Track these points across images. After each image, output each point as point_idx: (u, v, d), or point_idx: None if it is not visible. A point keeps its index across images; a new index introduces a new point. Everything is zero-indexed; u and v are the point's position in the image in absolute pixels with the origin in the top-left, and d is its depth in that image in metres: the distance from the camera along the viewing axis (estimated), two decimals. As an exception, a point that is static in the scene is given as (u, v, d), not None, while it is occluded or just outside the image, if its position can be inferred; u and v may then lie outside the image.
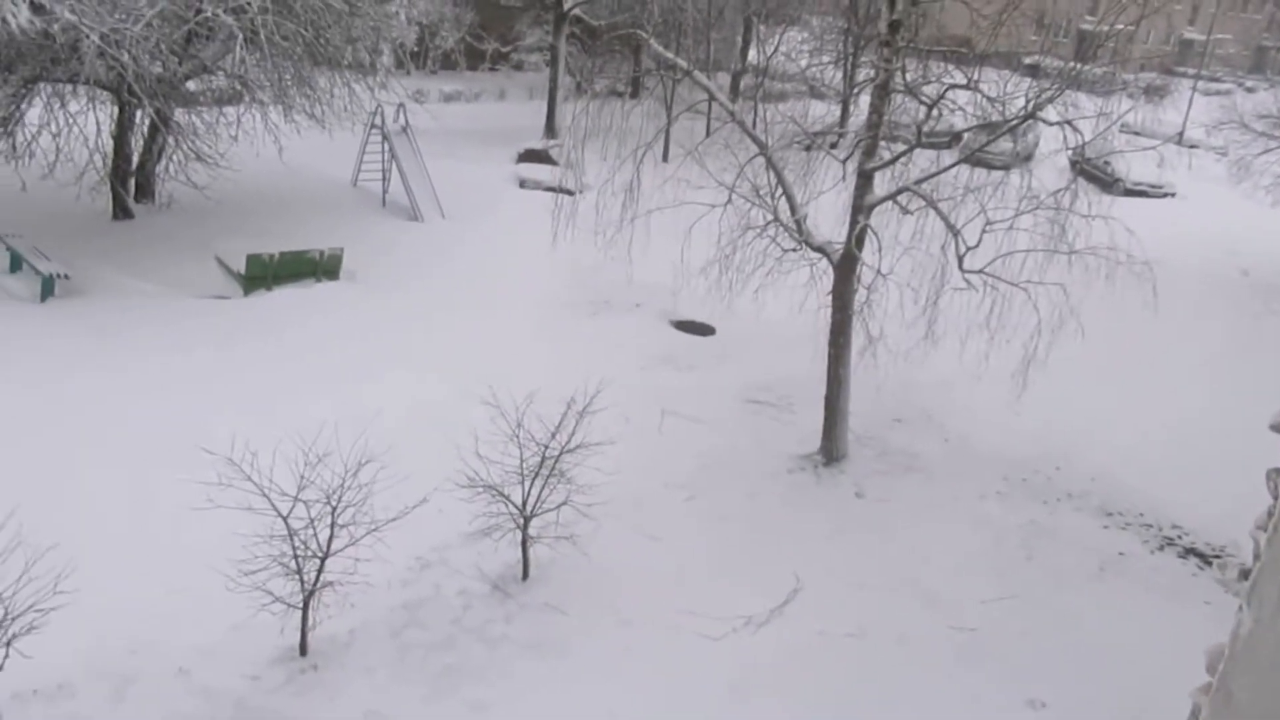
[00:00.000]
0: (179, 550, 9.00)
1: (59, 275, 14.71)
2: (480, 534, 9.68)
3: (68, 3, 13.38)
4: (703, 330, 16.72)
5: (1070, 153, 12.55)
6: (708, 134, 17.96)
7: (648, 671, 8.82)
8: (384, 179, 21.55)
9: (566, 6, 28.59)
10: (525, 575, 9.85)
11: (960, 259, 11.68)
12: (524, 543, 9.77)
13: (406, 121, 21.85)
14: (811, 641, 9.47)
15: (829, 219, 13.25)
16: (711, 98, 13.25)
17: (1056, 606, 10.42)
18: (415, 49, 35.46)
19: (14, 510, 7.23)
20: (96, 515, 9.38)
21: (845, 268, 12.35)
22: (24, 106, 15.87)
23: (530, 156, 25.83)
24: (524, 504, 9.52)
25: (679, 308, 16.74)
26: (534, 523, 9.69)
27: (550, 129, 28.74)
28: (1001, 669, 9.34)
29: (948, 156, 12.27)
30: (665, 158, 18.17)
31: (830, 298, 12.67)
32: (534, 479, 9.48)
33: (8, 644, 6.90)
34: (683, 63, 13.30)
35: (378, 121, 21.09)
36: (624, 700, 8.45)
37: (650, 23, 24.08)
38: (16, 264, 15.21)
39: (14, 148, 15.83)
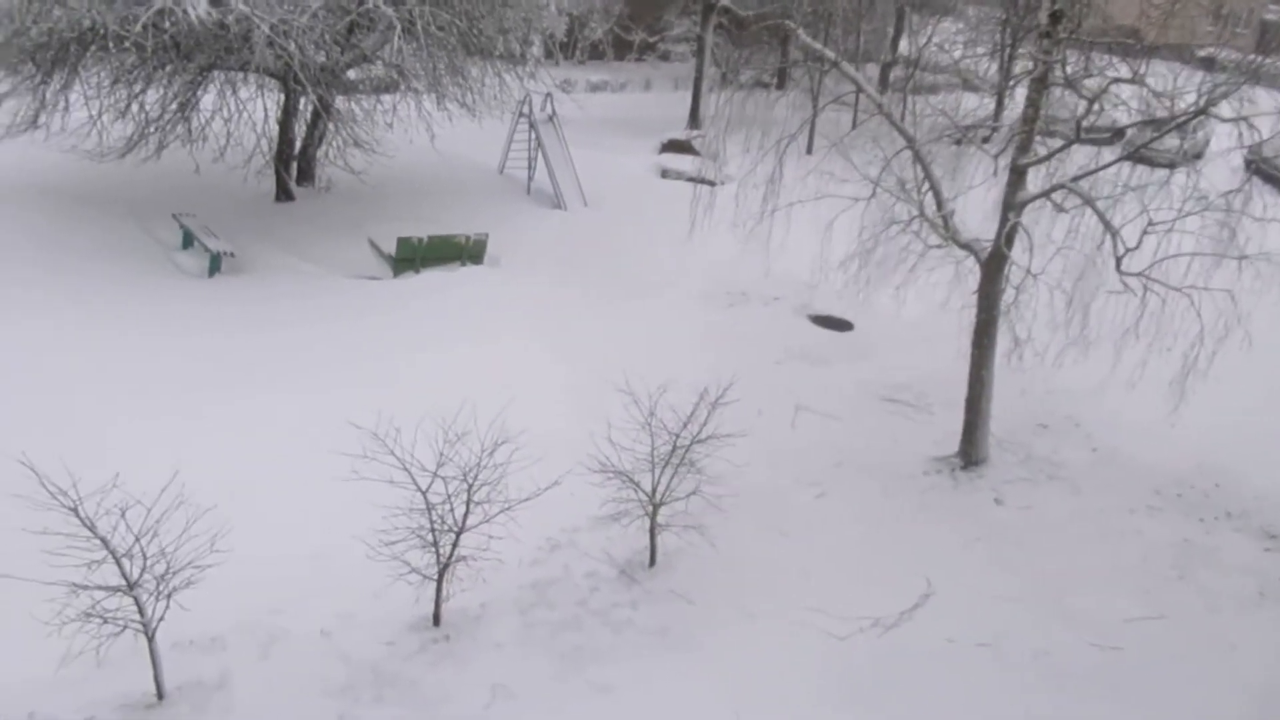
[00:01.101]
0: (325, 518, 9.43)
1: (226, 253, 15.59)
2: (610, 519, 9.79)
3: (242, -5, 14.13)
4: (840, 325, 16.46)
5: (1246, 151, 11.77)
6: (854, 126, 17.62)
7: (771, 666, 8.76)
8: (529, 167, 21.98)
9: (715, -3, 28.48)
10: (652, 562, 9.92)
11: (1118, 261, 11.12)
12: (652, 530, 9.84)
13: (553, 111, 22.22)
14: (941, 649, 9.21)
15: (977, 215, 12.83)
16: (859, 89, 12.98)
17: (1209, 631, 9.83)
18: (564, 40, 35.98)
19: (177, 471, 7.71)
20: (252, 480, 9.90)
21: (993, 266, 11.93)
22: (199, 93, 16.87)
23: (673, 147, 25.89)
24: (654, 491, 9.59)
25: (816, 302, 16.53)
26: (663, 511, 9.74)
27: (694, 120, 28.74)
28: (1146, 693, 8.88)
29: (1108, 153, 11.66)
30: (809, 150, 17.92)
31: (975, 297, 12.26)
32: (664, 467, 9.53)
33: (169, 596, 7.37)
34: (830, 54, 13.08)
35: (525, 111, 21.51)
36: (746, 693, 8.42)
37: (799, 13, 23.74)
38: (188, 241, 16.20)
39: (190, 132, 16.83)
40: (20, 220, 15.88)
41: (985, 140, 13.83)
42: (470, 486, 8.39)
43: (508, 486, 8.62)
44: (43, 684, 7.44)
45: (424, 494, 8.31)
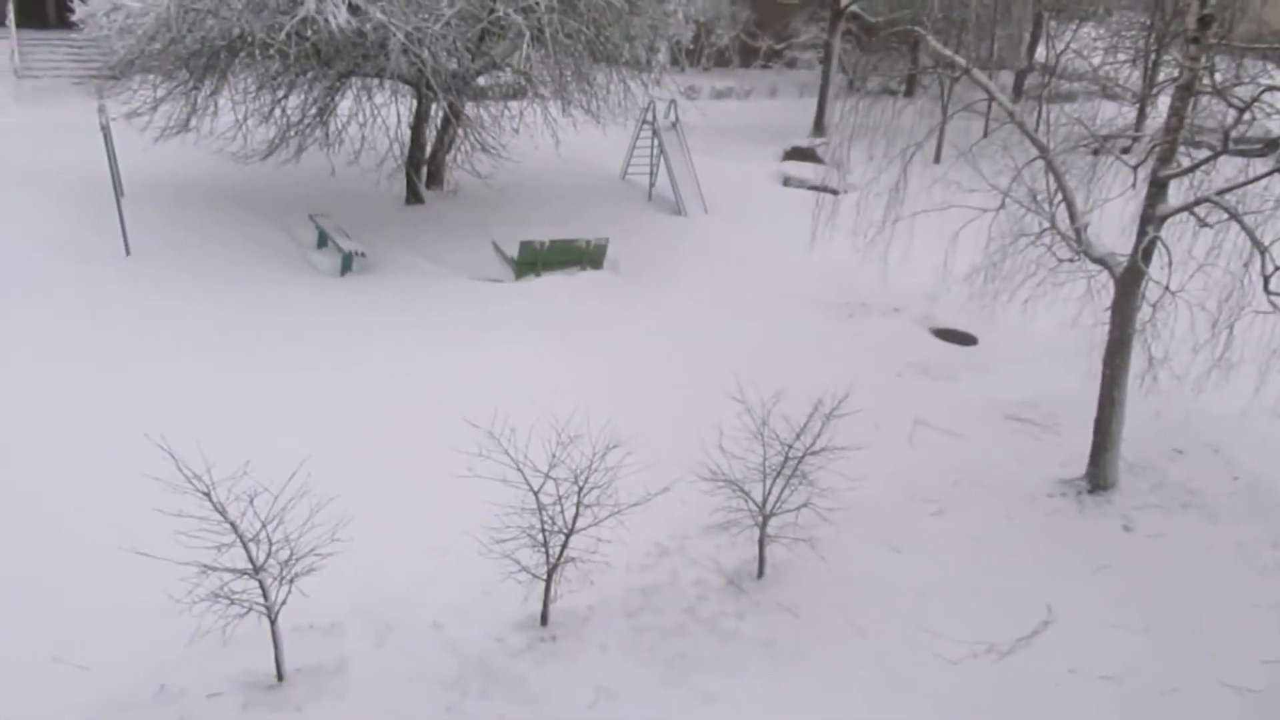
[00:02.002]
0: (440, 513, 9.66)
1: (357, 253, 16.16)
2: (719, 527, 9.74)
3: (379, 4, 14.65)
4: (964, 339, 16.01)
5: None
6: (985, 135, 17.16)
7: (880, 685, 8.57)
8: (651, 173, 22.10)
9: (844, 3, 28.19)
10: (761, 573, 9.83)
11: (1266, 280, 10.47)
12: (761, 541, 9.75)
13: (677, 117, 22.29)
14: (1061, 679, 8.85)
15: (1113, 229, 12.30)
16: (990, 97, 12.62)
17: (1358, 678, 9.18)
18: (690, 46, 36.10)
19: (304, 461, 8.01)
20: (373, 473, 10.22)
21: (1128, 282, 11.40)
22: (337, 99, 17.55)
23: (796, 154, 25.67)
24: (764, 502, 9.50)
25: (939, 314, 16.14)
26: (773, 522, 9.65)
27: (819, 127, 28.45)
28: (1285, 739, 8.36)
29: (1259, 165, 11.01)
30: (937, 159, 17.51)
31: (1109, 314, 11.74)
32: (775, 478, 9.43)
33: (291, 581, 7.66)
34: (961, 60, 12.75)
35: (649, 117, 21.64)
36: (853, 711, 8.26)
37: (930, 19, 23.23)
38: (323, 241, 16.86)
39: (327, 136, 17.52)
40: (173, 216, 16.82)
41: (1125, 151, 13.25)
42: (581, 489, 8.47)
43: (618, 490, 8.66)
44: (173, 659, 7.83)
45: (536, 494, 8.43)
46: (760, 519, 9.59)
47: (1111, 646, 9.24)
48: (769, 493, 9.48)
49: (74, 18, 23.56)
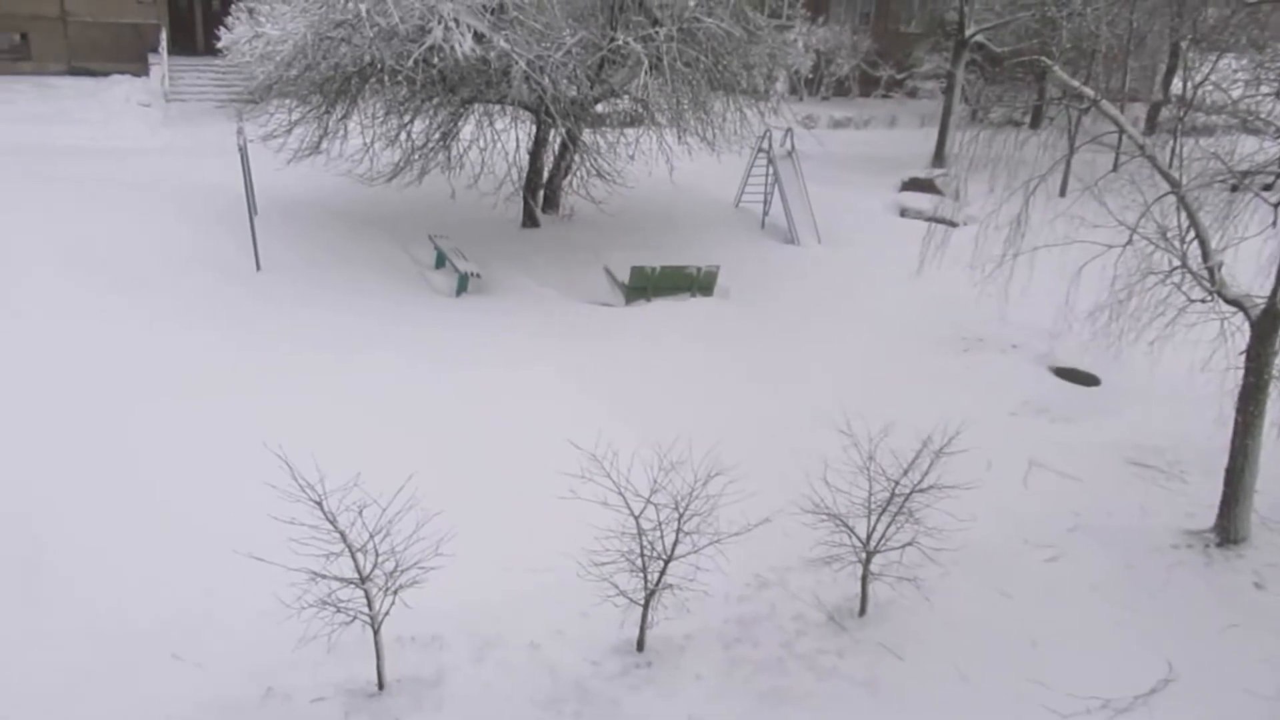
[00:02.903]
0: (541, 533, 9.75)
1: (473, 274, 16.54)
2: (820, 562, 9.56)
3: (503, 32, 15.04)
4: (1085, 380, 15.40)
5: None
6: (1114, 168, 16.56)
7: (984, 736, 8.26)
8: (765, 201, 22.04)
9: (968, 33, 27.67)
10: (863, 611, 9.60)
11: None
12: (864, 578, 9.53)
13: (793, 146, 22.21)
14: (1180, 741, 8.38)
15: (1249, 269, 11.67)
16: (1120, 130, 12.18)
17: None
18: (810, 75, 36.08)
19: (412, 475, 8.19)
20: (478, 489, 10.40)
21: (1266, 325, 10.80)
22: (460, 124, 18.06)
23: (914, 185, 25.25)
24: (868, 538, 9.29)
25: (1059, 353, 15.58)
26: (877, 559, 9.42)
27: (939, 158, 27.95)
28: None
29: None
30: (1063, 192, 17.00)
31: (1243, 358, 11.14)
32: (880, 514, 9.22)
33: (395, 592, 7.82)
34: (1090, 92, 12.34)
35: (765, 146, 21.61)
36: (954, 761, 7.98)
37: (1058, 49, 22.64)
38: (441, 261, 17.32)
39: (449, 160, 18.04)
40: (301, 235, 17.55)
41: (1266, 187, 12.59)
42: (681, 516, 8.43)
43: (718, 519, 8.59)
44: (280, 662, 8.07)
45: (636, 519, 8.43)
46: (863, 555, 9.37)
47: (1237, 710, 8.71)
48: (873, 529, 9.27)
49: (219, 45, 24.88)
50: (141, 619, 8.40)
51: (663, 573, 8.63)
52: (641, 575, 8.59)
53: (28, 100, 27.49)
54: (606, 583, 8.47)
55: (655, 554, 8.54)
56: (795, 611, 9.62)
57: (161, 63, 30.02)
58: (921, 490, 9.16)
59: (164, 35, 30.62)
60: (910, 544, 9.34)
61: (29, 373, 11.88)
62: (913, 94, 37.59)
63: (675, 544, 8.54)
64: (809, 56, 34.93)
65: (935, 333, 16.49)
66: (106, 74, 30.69)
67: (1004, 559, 10.61)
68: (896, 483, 9.15)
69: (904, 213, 23.56)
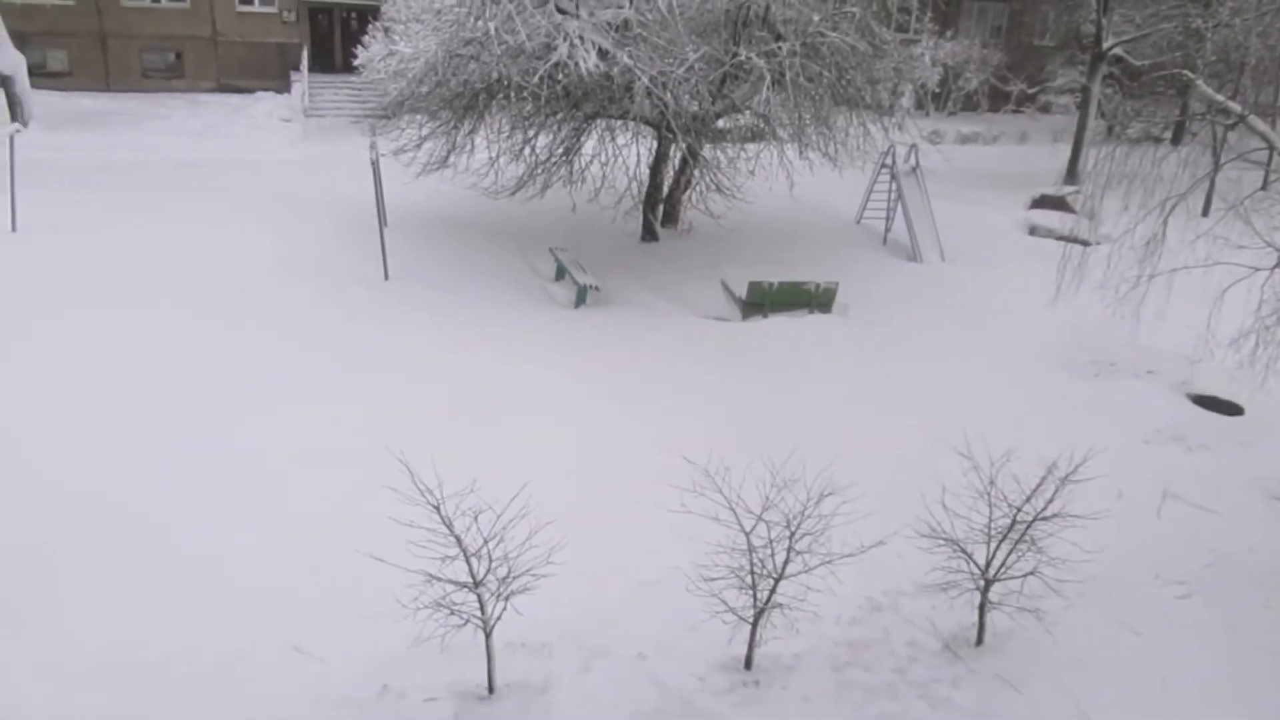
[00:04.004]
0: (651, 545, 9.77)
1: (592, 286, 16.75)
2: (936, 587, 9.30)
3: (627, 49, 15.22)
4: (1227, 409, 14.59)
5: None
6: (1263, 187, 15.71)
7: (1106, 779, 7.89)
8: (887, 218, 21.68)
9: (1106, 46, 26.71)
10: (979, 640, 9.29)
11: None
12: (982, 606, 9.23)
13: (917, 162, 21.80)
14: (1326, 798, 7.83)
15: None
16: (1270, 146, 11.56)
17: None
18: (937, 90, 35.40)
19: (526, 484, 8.32)
20: (591, 500, 10.48)
21: None
22: (582, 139, 18.35)
23: (1044, 203, 24.49)
24: (987, 565, 9.00)
25: (1199, 380, 14.83)
26: (996, 588, 9.11)
27: (1071, 174, 27.04)
28: None
29: None
30: (1205, 211, 16.24)
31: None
32: (1001, 541, 8.92)
33: (507, 598, 7.95)
34: (1236, 106, 11.77)
35: (888, 161, 21.28)
36: (1073, 803, 7.64)
37: (1202, 62, 21.63)
38: (561, 273, 17.59)
39: (571, 174, 18.35)
40: (427, 246, 18.09)
41: None
42: (793, 534, 8.32)
43: (831, 539, 8.45)
44: (395, 660, 8.29)
45: (747, 535, 8.36)
46: (982, 583, 9.08)
47: (1392, 769, 8.10)
48: (993, 556, 8.97)
49: (356, 63, 25.84)
50: (268, 613, 8.75)
51: (773, 591, 8.53)
52: (751, 593, 8.52)
53: (181, 115, 29.18)
54: (715, 598, 8.42)
55: (765, 572, 8.46)
56: (909, 637, 9.39)
57: (302, 80, 31.47)
58: (1045, 518, 8.83)
59: (305, 54, 32.09)
60: (1032, 573, 9.00)
61: (160, 376, 12.54)
62: (1045, 109, 36.49)
63: (786, 562, 8.44)
64: (936, 71, 34.30)
65: (1064, 355, 15.91)
66: (252, 91, 32.35)
67: (1133, 594, 10.13)
68: (1019, 509, 8.84)
69: (1033, 231, 22.86)
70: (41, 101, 27.29)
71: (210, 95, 32.37)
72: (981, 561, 8.99)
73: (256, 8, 32.94)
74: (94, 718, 7.59)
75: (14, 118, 25.27)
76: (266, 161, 24.74)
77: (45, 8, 30.32)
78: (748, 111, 18.33)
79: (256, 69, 32.99)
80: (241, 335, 13.76)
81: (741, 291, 17.09)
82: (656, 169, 19.69)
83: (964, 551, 8.95)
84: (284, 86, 32.44)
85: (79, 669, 7.96)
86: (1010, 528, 8.87)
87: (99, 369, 12.47)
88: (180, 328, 13.78)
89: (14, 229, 17.17)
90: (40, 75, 29.05)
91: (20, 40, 26.80)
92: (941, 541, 8.97)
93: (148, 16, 32.17)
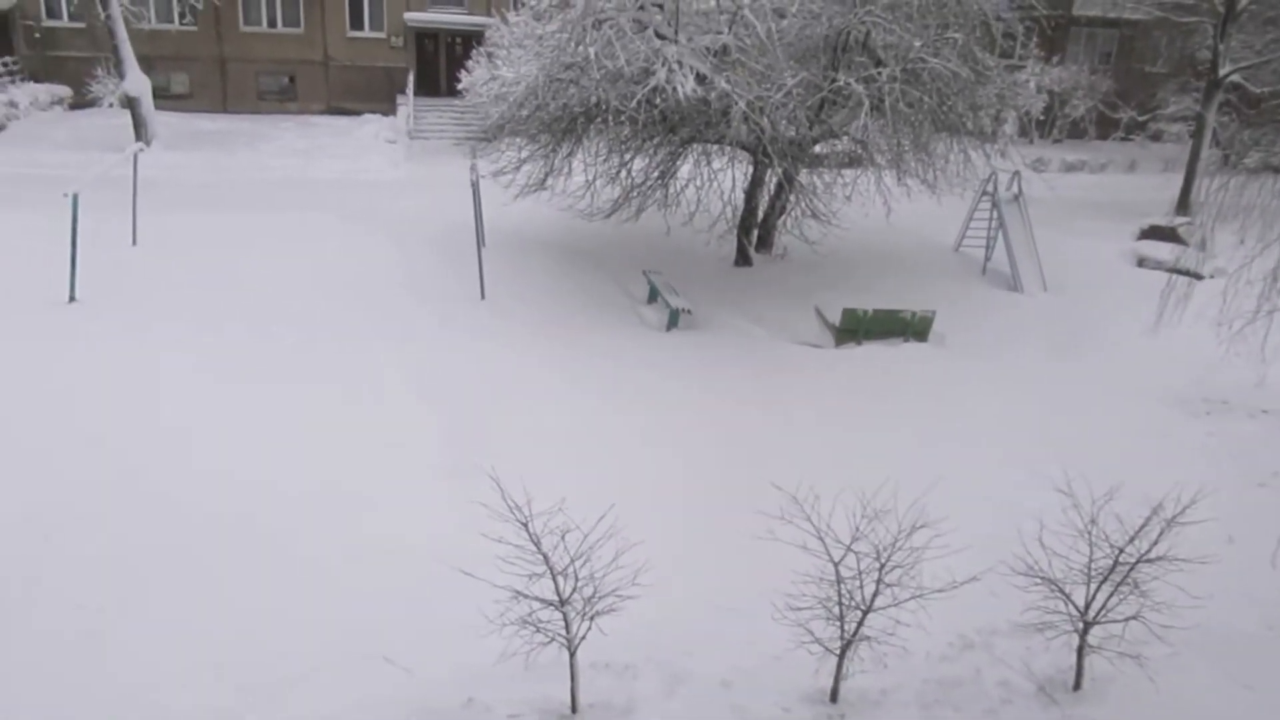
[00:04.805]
0: (737, 572, 9.69)
1: (684, 310, 16.78)
2: (1032, 627, 8.99)
3: (724, 74, 15.27)
4: (1350, 453, 13.85)
5: None
6: (1393, 220, 14.93)
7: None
8: (988, 247, 21.24)
9: (1223, 73, 25.78)
10: (1077, 685, 8.95)
11: None
12: (1080, 649, 8.89)
13: (1020, 190, 21.33)
14: None
15: None
16: (1402, 177, 10.98)
17: None
18: (1041, 117, 34.62)
19: (614, 504, 8.35)
20: (677, 522, 10.47)
21: None
22: (678, 162, 18.45)
23: (1154, 233, 23.68)
24: (1086, 607, 8.67)
25: (1320, 422, 14.13)
26: (1095, 631, 8.77)
27: (1183, 205, 26.13)
28: None
29: None
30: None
31: None
32: (1101, 583, 8.59)
33: (592, 618, 7.96)
34: (1365, 135, 11.21)
35: (989, 189, 20.87)
36: None
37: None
38: (653, 296, 17.67)
39: (666, 197, 18.45)
40: (522, 267, 18.38)
41: None
42: (883, 566, 8.16)
43: (922, 573, 8.25)
44: (480, 675, 8.36)
45: (835, 565, 8.23)
46: (1081, 625, 8.75)
47: None
48: (1092, 598, 8.65)
49: (459, 86, 26.47)
50: (360, 622, 8.93)
51: (860, 623, 8.37)
52: (838, 624, 8.37)
53: (292, 136, 30.30)
54: (801, 628, 8.30)
55: (853, 604, 8.31)
56: (1001, 678, 9.09)
57: (408, 103, 32.39)
58: (1149, 561, 8.48)
59: (411, 78, 33.02)
60: (1134, 618, 8.64)
61: (263, 387, 12.96)
62: (1156, 137, 35.36)
63: (875, 595, 8.27)
64: (1041, 97, 33.57)
65: (1172, 392, 15.31)
66: (359, 113, 33.44)
67: (1246, 645, 9.64)
68: (1121, 550, 8.51)
69: (1141, 262, 22.12)
70: (164, 122, 28.65)
71: (320, 117, 33.56)
72: (1080, 603, 8.67)
73: (366, 33, 34.08)
74: (196, 705, 7.85)
75: (138, 137, 26.57)
76: (371, 182, 25.50)
77: (170, 33, 31.87)
78: (845, 137, 18.20)
79: (364, 92, 34.10)
80: (339, 349, 14.15)
81: (835, 318, 16.91)
82: (752, 193, 19.66)
83: (1062, 592, 8.64)
84: (390, 109, 33.44)
85: (183, 667, 8.24)
86: (1112, 569, 8.54)
87: (205, 378, 12.95)
88: (283, 342, 14.23)
89: (134, 243, 18.01)
90: (163, 97, 30.52)
91: (146, 64, 28.20)
92: (1038, 580, 8.67)
93: (264, 41, 33.57)
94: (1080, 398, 14.92)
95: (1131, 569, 8.51)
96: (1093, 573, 8.59)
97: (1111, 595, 8.61)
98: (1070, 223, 23.79)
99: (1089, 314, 18.56)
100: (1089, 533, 8.57)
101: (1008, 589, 8.96)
